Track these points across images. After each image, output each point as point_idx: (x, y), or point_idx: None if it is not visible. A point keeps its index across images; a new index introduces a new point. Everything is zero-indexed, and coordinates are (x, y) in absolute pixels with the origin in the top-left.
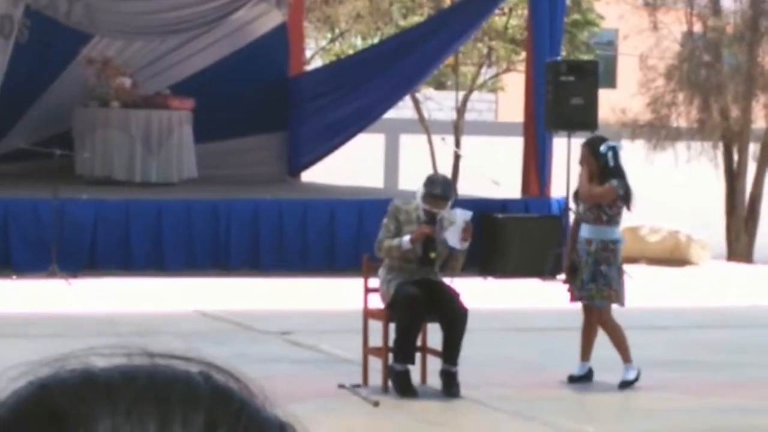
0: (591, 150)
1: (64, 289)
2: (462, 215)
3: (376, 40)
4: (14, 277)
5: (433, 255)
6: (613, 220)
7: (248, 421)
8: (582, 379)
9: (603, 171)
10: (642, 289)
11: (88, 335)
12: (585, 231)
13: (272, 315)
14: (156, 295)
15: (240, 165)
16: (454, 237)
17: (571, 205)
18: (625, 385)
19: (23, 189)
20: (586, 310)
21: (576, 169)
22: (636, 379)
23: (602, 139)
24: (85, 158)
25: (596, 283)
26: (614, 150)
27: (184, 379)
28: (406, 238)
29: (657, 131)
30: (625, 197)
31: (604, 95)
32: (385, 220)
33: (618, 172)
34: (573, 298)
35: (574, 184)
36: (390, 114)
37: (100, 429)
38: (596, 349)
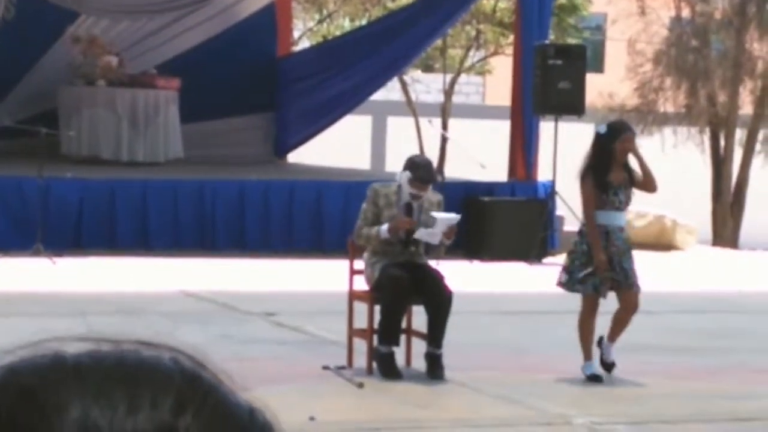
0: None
1: (48, 268)
2: (447, 222)
3: (364, 22)
4: None
5: (412, 249)
6: None
7: (216, 403)
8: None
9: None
10: None
11: (73, 314)
12: (617, 219)
13: (257, 296)
14: (141, 274)
15: (226, 145)
16: (426, 235)
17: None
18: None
19: (8, 167)
20: (588, 299)
21: (564, 153)
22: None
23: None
24: (71, 137)
25: (631, 264)
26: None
27: (152, 362)
28: (384, 227)
29: (644, 116)
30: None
31: (591, 79)
32: (363, 206)
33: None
34: (612, 288)
35: (561, 168)
36: (377, 96)
37: (70, 410)
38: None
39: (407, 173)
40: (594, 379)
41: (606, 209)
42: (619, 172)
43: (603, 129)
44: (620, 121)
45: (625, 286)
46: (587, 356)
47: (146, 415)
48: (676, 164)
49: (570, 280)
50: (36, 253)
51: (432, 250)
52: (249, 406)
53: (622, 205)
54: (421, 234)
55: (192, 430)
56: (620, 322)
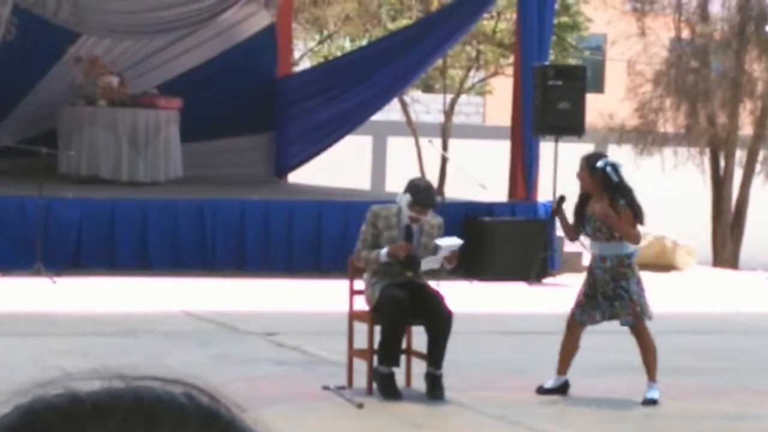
0: (587, 165)
1: (48, 287)
2: (448, 248)
3: (364, 42)
4: None
5: (409, 274)
6: None
7: None
8: (555, 392)
9: (608, 188)
10: None
11: (72, 334)
12: (598, 248)
13: (257, 316)
14: (141, 294)
15: (227, 165)
16: (428, 263)
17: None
18: (649, 403)
19: (8, 187)
20: (572, 326)
21: (564, 174)
22: (657, 400)
23: (600, 156)
24: (72, 157)
25: (620, 300)
26: (614, 166)
27: (169, 399)
28: (384, 251)
29: (644, 136)
30: (637, 214)
31: (591, 100)
32: (363, 228)
33: (623, 189)
34: (597, 319)
35: (561, 188)
36: (378, 116)
37: None
38: (582, 353)
39: (407, 196)
40: (541, 391)
41: (592, 239)
42: (594, 204)
43: None
44: (590, 153)
45: (608, 318)
46: (558, 370)
47: None
48: (676, 185)
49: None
50: (36, 273)
51: (432, 271)
52: None
53: (602, 236)
54: (424, 265)
55: None
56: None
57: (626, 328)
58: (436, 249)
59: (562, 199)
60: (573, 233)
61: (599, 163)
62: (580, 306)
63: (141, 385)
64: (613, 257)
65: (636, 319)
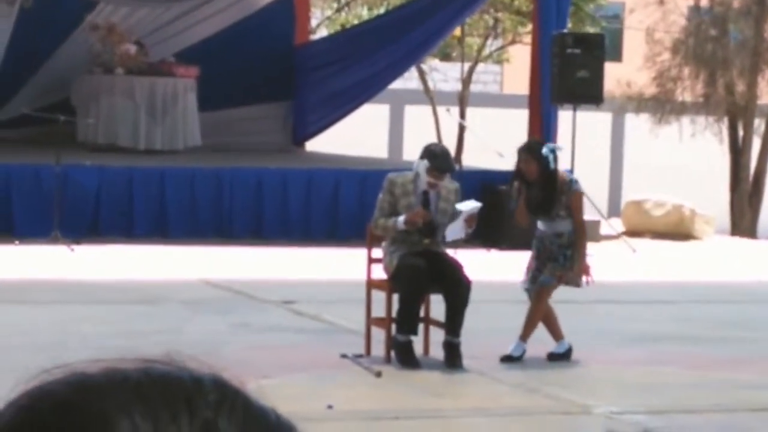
0: (532, 153)
1: (66, 255)
2: (469, 211)
3: (382, 11)
4: (17, 242)
5: (427, 241)
6: None
7: (246, 403)
8: (562, 357)
9: (544, 173)
10: (646, 263)
11: (90, 302)
12: (552, 227)
13: (275, 284)
14: (159, 262)
15: (244, 134)
16: (454, 232)
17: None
18: (508, 359)
19: (26, 155)
20: (538, 296)
21: (582, 142)
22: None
23: (540, 144)
24: (89, 125)
25: (554, 262)
26: (554, 152)
27: (176, 370)
28: (401, 219)
29: (662, 105)
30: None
31: (609, 68)
32: (380, 196)
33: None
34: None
35: (578, 157)
36: (395, 85)
37: (123, 425)
38: (602, 322)
39: (425, 162)
40: (552, 357)
41: (539, 219)
42: (537, 190)
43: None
44: (528, 142)
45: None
46: (554, 338)
47: (187, 418)
48: (694, 154)
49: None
50: (54, 241)
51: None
52: (273, 408)
53: (548, 218)
54: (449, 236)
55: (231, 426)
56: (526, 317)
57: (648, 299)
58: (456, 214)
59: (520, 185)
60: (526, 218)
61: (544, 151)
62: (532, 281)
63: (145, 364)
64: (570, 233)
65: (563, 282)
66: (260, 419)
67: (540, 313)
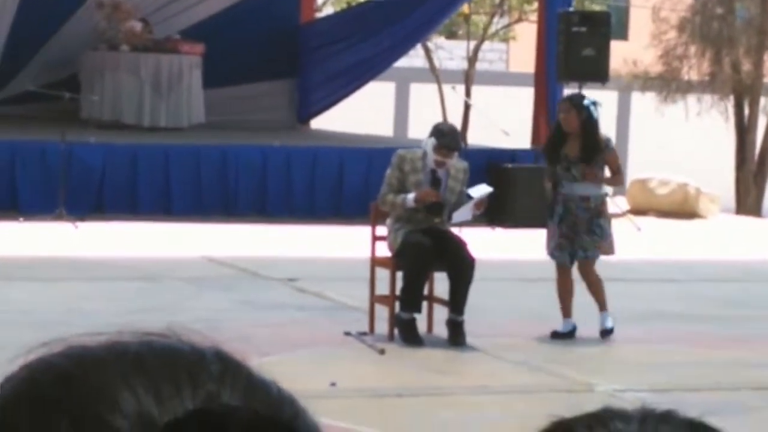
0: (574, 104)
1: (70, 232)
2: (480, 194)
3: None
4: (21, 219)
5: (437, 220)
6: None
7: (249, 375)
8: (567, 336)
9: (586, 125)
10: (650, 241)
11: (94, 279)
12: (579, 189)
13: (279, 261)
14: (163, 240)
15: (249, 111)
16: (462, 214)
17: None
18: (607, 333)
19: (31, 131)
20: (562, 269)
21: None
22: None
23: (582, 96)
24: (94, 102)
25: (591, 235)
26: (595, 105)
27: (176, 343)
28: (410, 196)
29: (668, 83)
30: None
31: (615, 47)
32: (388, 171)
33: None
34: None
35: None
36: (401, 63)
37: (125, 396)
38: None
39: (432, 140)
40: (556, 336)
41: (565, 180)
42: (574, 144)
43: None
44: (571, 94)
45: (580, 257)
46: (563, 314)
47: (191, 391)
48: (699, 132)
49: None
50: (58, 218)
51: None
52: (274, 381)
53: (578, 178)
54: (455, 218)
55: (234, 399)
56: (593, 293)
57: (653, 277)
58: (467, 198)
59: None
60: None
61: (585, 102)
62: (560, 248)
63: (147, 337)
64: (596, 197)
65: (603, 253)
66: (262, 392)
67: (599, 282)
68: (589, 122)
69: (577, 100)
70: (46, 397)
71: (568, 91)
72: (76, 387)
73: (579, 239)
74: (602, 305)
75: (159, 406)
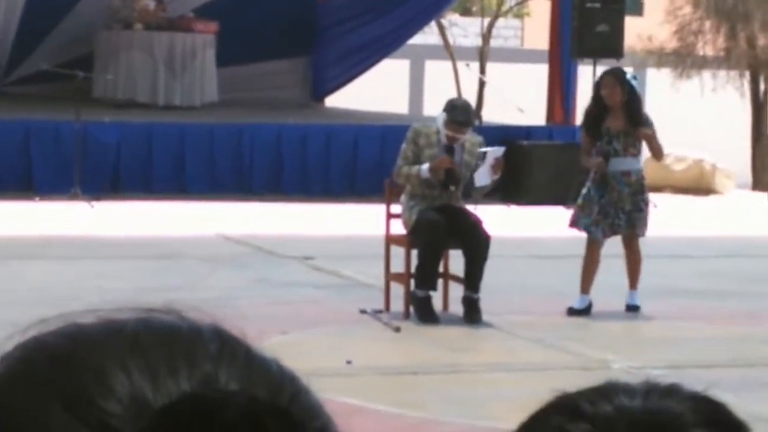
0: (619, 79)
1: (86, 211)
2: (493, 153)
3: None
4: (37, 199)
5: (452, 188)
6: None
7: (247, 352)
8: (582, 313)
9: (631, 99)
10: (666, 217)
11: (110, 258)
12: (621, 164)
13: (294, 239)
14: (178, 218)
15: (264, 89)
16: (481, 177)
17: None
18: (633, 309)
19: (45, 111)
20: (594, 244)
21: None
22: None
23: (623, 70)
24: (108, 81)
25: (639, 212)
26: (636, 79)
27: (174, 321)
28: (425, 166)
29: (683, 59)
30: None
31: (630, 23)
32: (403, 145)
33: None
34: (615, 233)
35: None
36: (415, 40)
37: (119, 379)
38: (622, 277)
39: (444, 115)
40: (571, 312)
41: (609, 156)
42: (616, 119)
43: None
44: (609, 68)
45: (626, 231)
46: (582, 289)
47: (186, 372)
48: (715, 108)
49: (579, 221)
50: (73, 197)
51: (471, 192)
52: (275, 359)
53: (621, 152)
54: (477, 181)
55: (232, 380)
56: (632, 269)
57: (669, 253)
58: (482, 156)
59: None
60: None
61: (628, 76)
62: (596, 224)
63: (142, 315)
64: (637, 171)
65: (645, 228)
66: (262, 370)
67: (641, 260)
68: (632, 96)
69: (621, 74)
70: (40, 379)
71: (582, 68)
72: (70, 368)
73: (625, 216)
74: (635, 283)
75: (154, 388)
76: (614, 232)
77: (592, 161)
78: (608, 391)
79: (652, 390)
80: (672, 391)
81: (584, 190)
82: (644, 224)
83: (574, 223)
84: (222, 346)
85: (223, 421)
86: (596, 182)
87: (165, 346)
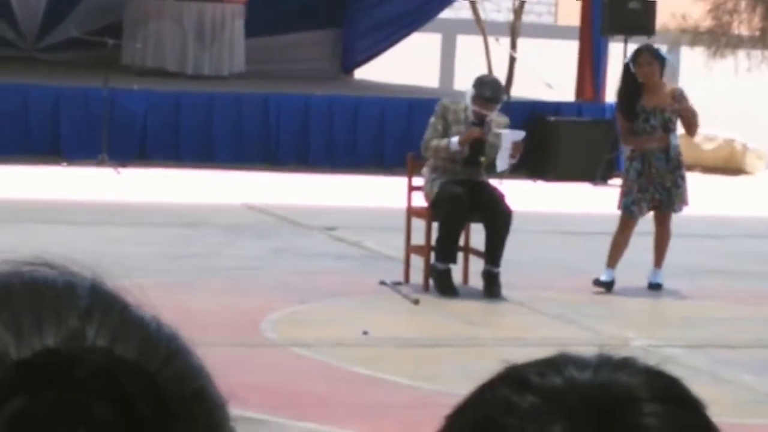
0: (655, 55)
1: (113, 177)
2: (512, 137)
3: None
4: (64, 164)
5: (482, 159)
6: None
7: (123, 310)
8: (606, 286)
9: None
10: (696, 197)
11: (134, 224)
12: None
13: (318, 210)
14: (204, 187)
15: (293, 60)
16: (500, 161)
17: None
18: (655, 287)
19: (74, 78)
20: (627, 220)
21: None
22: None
23: (655, 47)
24: (137, 49)
25: (678, 188)
26: (670, 53)
27: (49, 275)
28: (455, 139)
29: (717, 38)
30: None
31: (663, 0)
32: (432, 119)
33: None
34: (654, 208)
35: None
36: (446, 14)
37: None
38: (646, 255)
39: (472, 90)
40: (597, 283)
41: (641, 134)
42: (651, 96)
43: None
44: (642, 45)
45: (665, 207)
46: (608, 263)
47: (53, 327)
48: (748, 88)
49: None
50: (101, 163)
51: (494, 169)
52: (155, 317)
53: (656, 131)
54: (499, 164)
55: (100, 337)
56: (659, 247)
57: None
58: (499, 138)
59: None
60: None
61: (663, 53)
62: (636, 202)
63: (27, 270)
64: (675, 147)
65: (683, 204)
66: (137, 329)
67: (670, 237)
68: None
69: (657, 52)
70: None
71: (613, 45)
72: None
73: (665, 192)
74: (660, 261)
75: (17, 341)
76: (654, 208)
77: (656, 137)
78: (558, 363)
79: (604, 363)
80: (625, 364)
81: (625, 172)
82: (682, 199)
83: (620, 206)
84: (93, 303)
85: (72, 378)
86: (635, 160)
87: (35, 300)
